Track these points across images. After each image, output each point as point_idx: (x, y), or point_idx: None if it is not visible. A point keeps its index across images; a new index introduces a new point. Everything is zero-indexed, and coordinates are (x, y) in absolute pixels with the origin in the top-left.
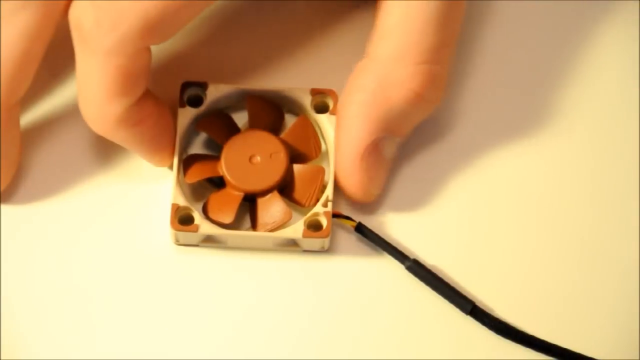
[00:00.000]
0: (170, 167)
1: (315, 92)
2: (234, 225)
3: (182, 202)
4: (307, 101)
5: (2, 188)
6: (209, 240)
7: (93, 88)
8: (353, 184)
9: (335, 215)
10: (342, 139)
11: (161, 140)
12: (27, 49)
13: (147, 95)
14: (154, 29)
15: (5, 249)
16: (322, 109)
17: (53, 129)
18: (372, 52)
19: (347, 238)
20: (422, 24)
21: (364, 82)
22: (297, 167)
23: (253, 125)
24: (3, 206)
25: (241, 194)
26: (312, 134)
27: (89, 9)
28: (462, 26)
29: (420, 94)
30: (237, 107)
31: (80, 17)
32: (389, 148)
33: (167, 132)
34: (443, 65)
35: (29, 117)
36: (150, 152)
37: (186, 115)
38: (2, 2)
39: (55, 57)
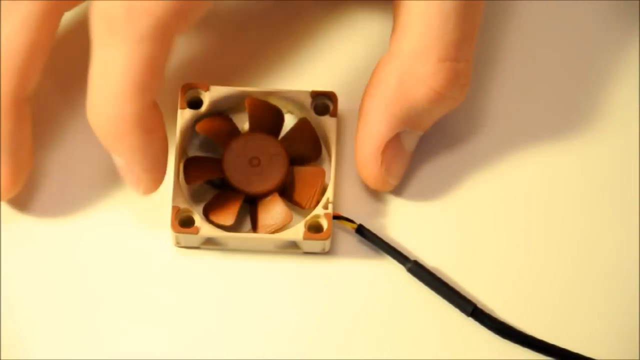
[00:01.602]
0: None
1: (315, 94)
2: (234, 228)
3: (182, 204)
4: (307, 103)
5: (18, 189)
6: (210, 243)
7: (114, 83)
8: (372, 174)
9: (336, 217)
10: (363, 131)
11: (162, 160)
12: (32, 38)
13: (157, 105)
14: (185, 12)
15: (6, 249)
16: (322, 110)
17: (55, 130)
18: (394, 47)
19: (348, 240)
20: (443, 19)
21: (386, 77)
22: (297, 169)
23: (253, 127)
24: (4, 206)
25: (242, 196)
26: (313, 136)
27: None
28: (484, 24)
29: (441, 93)
30: (238, 109)
31: (107, 9)
32: (410, 141)
33: (166, 153)
34: (467, 62)
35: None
36: (149, 170)
37: (186, 117)
38: None
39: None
